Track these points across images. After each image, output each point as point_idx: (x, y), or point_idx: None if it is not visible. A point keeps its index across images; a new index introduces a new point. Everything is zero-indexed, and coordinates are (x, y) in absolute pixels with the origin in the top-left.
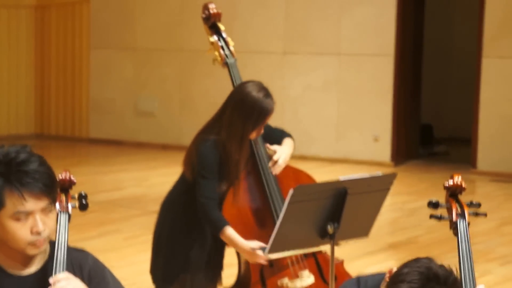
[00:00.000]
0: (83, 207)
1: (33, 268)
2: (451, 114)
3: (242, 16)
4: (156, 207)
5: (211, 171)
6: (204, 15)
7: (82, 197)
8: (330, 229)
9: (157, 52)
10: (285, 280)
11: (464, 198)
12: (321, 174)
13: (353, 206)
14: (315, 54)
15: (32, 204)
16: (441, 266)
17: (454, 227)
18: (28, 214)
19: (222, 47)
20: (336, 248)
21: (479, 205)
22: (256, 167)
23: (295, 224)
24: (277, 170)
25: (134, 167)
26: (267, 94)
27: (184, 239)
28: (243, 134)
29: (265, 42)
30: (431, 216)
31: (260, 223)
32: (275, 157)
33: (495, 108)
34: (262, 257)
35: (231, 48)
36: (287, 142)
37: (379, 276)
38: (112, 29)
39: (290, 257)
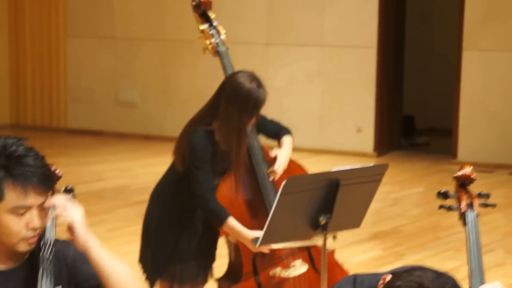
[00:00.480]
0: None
1: (15, 263)
2: (433, 105)
3: (226, 7)
4: (139, 197)
5: (205, 161)
6: (194, 3)
7: (68, 191)
8: (322, 220)
9: (137, 41)
10: (278, 270)
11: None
12: (305, 164)
13: (345, 197)
14: (298, 45)
15: (33, 199)
16: (435, 278)
17: (463, 218)
18: (27, 209)
19: (213, 35)
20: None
21: (487, 196)
22: (248, 158)
23: (287, 215)
24: (275, 177)
25: (115, 158)
26: (259, 84)
27: (173, 230)
28: (240, 126)
29: (248, 33)
30: (441, 207)
31: (252, 214)
32: (275, 167)
33: (476, 100)
34: (266, 246)
35: (222, 36)
36: (287, 143)
37: (376, 277)
38: (90, 17)
39: (285, 252)
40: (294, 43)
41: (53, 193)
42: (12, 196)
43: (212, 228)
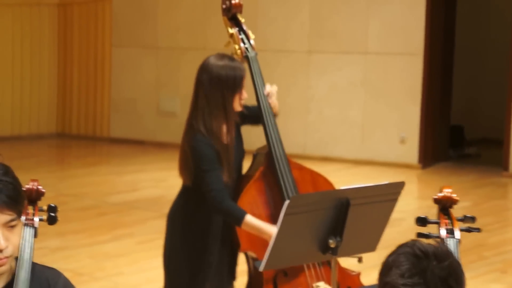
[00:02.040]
0: (51, 220)
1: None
2: (483, 115)
3: (265, 13)
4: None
5: (211, 162)
6: (224, 6)
7: (51, 209)
8: (332, 243)
9: (179, 51)
10: None
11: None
12: (346, 176)
13: (357, 218)
14: (341, 53)
15: None
16: (428, 243)
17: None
18: None
19: (242, 40)
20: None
21: (473, 219)
22: (274, 169)
23: (293, 237)
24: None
25: (153, 167)
26: (231, 58)
27: (187, 254)
28: (224, 103)
29: (289, 40)
30: (419, 235)
31: (273, 210)
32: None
33: None
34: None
35: (252, 41)
36: None
37: None
38: (134, 27)
39: (307, 265)
40: (337, 51)
41: (21, 212)
42: None
43: (229, 247)
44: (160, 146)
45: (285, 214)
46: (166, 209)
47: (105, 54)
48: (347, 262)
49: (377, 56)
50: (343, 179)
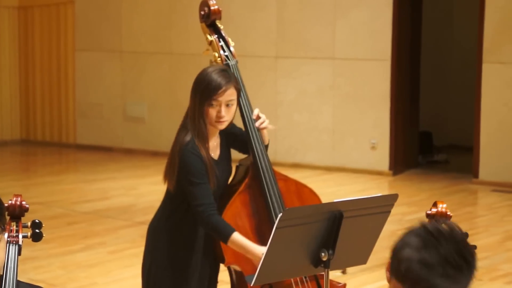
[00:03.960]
0: (36, 237)
1: None
2: (451, 121)
3: (234, 19)
4: (143, 217)
5: (200, 175)
6: (203, 12)
7: (35, 225)
8: (324, 256)
9: (145, 55)
10: None
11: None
12: (317, 182)
13: (350, 230)
14: (309, 58)
15: None
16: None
17: None
18: None
19: (222, 47)
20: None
21: (466, 235)
22: (259, 181)
23: (284, 250)
24: (261, 124)
25: (122, 175)
26: (221, 70)
27: (170, 267)
28: (194, 109)
29: (257, 45)
30: None
31: (260, 239)
32: (256, 112)
33: (497, 115)
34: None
35: (232, 48)
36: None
37: None
38: (98, 30)
39: (294, 280)
40: (305, 56)
41: (3, 227)
42: None
43: (211, 258)
44: (129, 152)
45: (277, 227)
46: (137, 217)
47: (68, 58)
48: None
49: (345, 61)
50: (315, 186)
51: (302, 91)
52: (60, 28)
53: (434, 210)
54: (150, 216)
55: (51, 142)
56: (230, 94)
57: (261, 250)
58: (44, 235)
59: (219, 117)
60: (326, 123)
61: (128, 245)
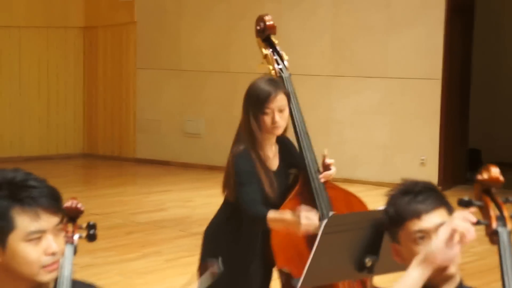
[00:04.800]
0: (91, 238)
1: None
2: (501, 139)
3: (288, 38)
4: (199, 228)
5: (248, 177)
6: (258, 27)
7: (90, 227)
8: (368, 262)
9: (203, 73)
10: None
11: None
12: (368, 197)
13: None
14: (363, 77)
15: (46, 221)
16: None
17: (491, 232)
18: (41, 233)
19: (276, 61)
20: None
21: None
22: (309, 188)
23: (329, 256)
24: (324, 179)
25: (179, 187)
26: (268, 79)
27: (229, 273)
28: (248, 121)
29: (311, 64)
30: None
31: (310, 244)
32: (328, 160)
33: None
34: (314, 223)
35: (286, 62)
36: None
37: None
38: (158, 50)
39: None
40: (358, 75)
41: (63, 219)
42: (24, 222)
43: (266, 263)
44: (185, 166)
45: (323, 233)
46: (192, 228)
47: (129, 76)
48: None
49: (396, 80)
50: (365, 200)
51: (355, 108)
52: (123, 47)
53: (486, 175)
54: (205, 227)
55: (111, 156)
56: (280, 99)
57: (290, 216)
58: (97, 236)
59: (274, 123)
60: (377, 139)
61: (183, 254)
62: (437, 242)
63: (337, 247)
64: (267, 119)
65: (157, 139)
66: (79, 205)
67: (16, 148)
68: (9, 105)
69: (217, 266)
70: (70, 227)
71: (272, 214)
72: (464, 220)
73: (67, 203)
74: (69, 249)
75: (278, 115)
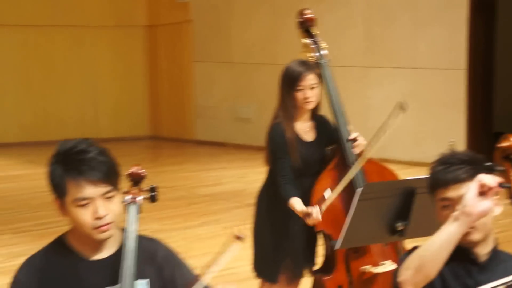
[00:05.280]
0: (153, 198)
1: (105, 254)
2: None
3: (328, 33)
4: (252, 200)
5: (280, 149)
6: (299, 19)
7: (152, 189)
8: (399, 226)
9: (252, 65)
10: (368, 266)
11: None
12: (402, 175)
13: (422, 205)
14: (393, 68)
15: (91, 190)
16: None
17: None
18: (89, 200)
19: (315, 49)
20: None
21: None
22: (345, 160)
23: (364, 220)
24: (357, 149)
25: (234, 165)
26: (300, 61)
27: (271, 228)
28: (283, 98)
29: (347, 57)
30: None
31: (346, 210)
32: (353, 135)
33: None
34: (313, 216)
35: (324, 51)
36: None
37: None
38: (212, 45)
39: (375, 245)
40: (389, 66)
41: (117, 186)
42: (73, 190)
43: (310, 228)
44: (239, 147)
45: (359, 200)
46: (247, 200)
47: (187, 68)
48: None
49: (425, 70)
50: (400, 177)
51: (387, 97)
52: (180, 43)
53: (506, 143)
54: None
55: (174, 138)
56: (311, 78)
57: (303, 210)
58: (158, 198)
59: (305, 99)
60: (408, 125)
61: (238, 222)
62: (469, 195)
63: (371, 213)
64: (299, 95)
65: (213, 123)
66: (141, 171)
67: (93, 130)
68: (87, 94)
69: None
70: (134, 190)
71: (292, 201)
72: (488, 177)
73: (132, 169)
74: (133, 209)
75: (309, 92)
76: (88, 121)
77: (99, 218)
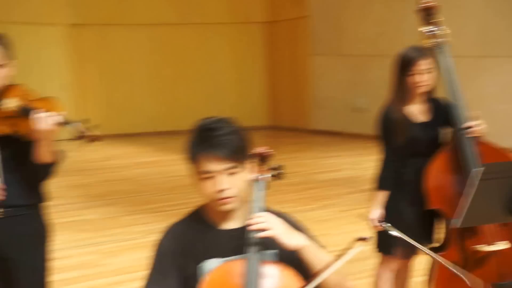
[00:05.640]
0: (278, 176)
1: (234, 225)
2: None
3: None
4: (367, 186)
5: (387, 135)
6: (420, 7)
7: (277, 168)
8: None
9: (366, 57)
10: (482, 245)
11: None
12: None
13: None
14: (503, 57)
15: (215, 165)
16: None
17: None
18: (212, 173)
19: (434, 36)
20: None
21: None
22: (460, 143)
23: (484, 200)
24: (472, 134)
25: (349, 153)
26: (413, 47)
27: (391, 207)
28: (396, 81)
29: (460, 46)
30: None
31: (457, 191)
32: (470, 123)
33: None
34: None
35: (443, 39)
36: None
37: None
38: (328, 38)
39: (489, 225)
40: (499, 55)
41: (241, 163)
42: (200, 163)
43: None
44: (354, 136)
45: (480, 179)
46: (362, 186)
47: (305, 61)
48: None
49: None
50: None
51: (502, 86)
52: (298, 37)
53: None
54: (372, 185)
55: (292, 128)
56: (423, 63)
57: (371, 214)
58: (283, 175)
59: (417, 83)
60: None
61: (355, 206)
62: None
63: (490, 193)
64: (411, 80)
65: (329, 113)
66: (267, 150)
67: None
68: (211, 87)
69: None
70: (261, 168)
71: (378, 194)
72: None
73: (259, 149)
74: (260, 185)
75: (421, 77)
76: (213, 112)
77: (220, 191)
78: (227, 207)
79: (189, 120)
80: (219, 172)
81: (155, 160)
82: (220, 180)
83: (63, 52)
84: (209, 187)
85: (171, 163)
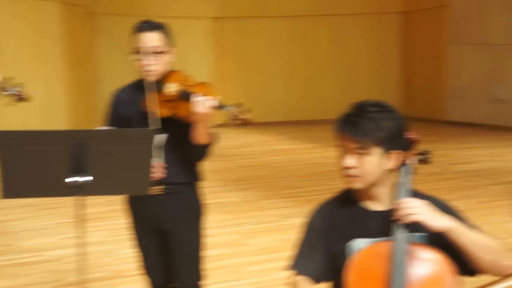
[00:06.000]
0: (424, 161)
1: (382, 206)
2: None
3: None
4: (508, 178)
5: None
6: None
7: (423, 153)
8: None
9: (506, 47)
10: None
11: None
12: None
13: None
14: None
15: (346, 143)
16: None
17: None
18: (344, 150)
19: None
20: None
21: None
22: None
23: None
24: None
25: (488, 145)
26: None
27: None
28: None
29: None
30: None
31: None
32: None
33: None
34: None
35: None
36: None
37: None
38: (467, 28)
39: None
40: None
41: (372, 145)
42: (337, 138)
43: None
44: (492, 128)
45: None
46: (504, 178)
47: (443, 52)
48: None
49: None
50: None
51: None
52: (436, 27)
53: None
54: None
55: (426, 118)
56: None
57: None
58: (429, 160)
59: None
60: None
61: (495, 198)
62: None
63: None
64: None
65: (465, 104)
66: (414, 136)
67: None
68: (345, 78)
69: None
70: (409, 152)
71: None
72: None
73: (407, 134)
74: (406, 169)
75: None
76: (346, 103)
77: (345, 168)
78: (350, 185)
79: (322, 111)
80: (348, 150)
81: (289, 148)
82: (347, 158)
83: (207, 43)
84: (340, 162)
85: (304, 151)
